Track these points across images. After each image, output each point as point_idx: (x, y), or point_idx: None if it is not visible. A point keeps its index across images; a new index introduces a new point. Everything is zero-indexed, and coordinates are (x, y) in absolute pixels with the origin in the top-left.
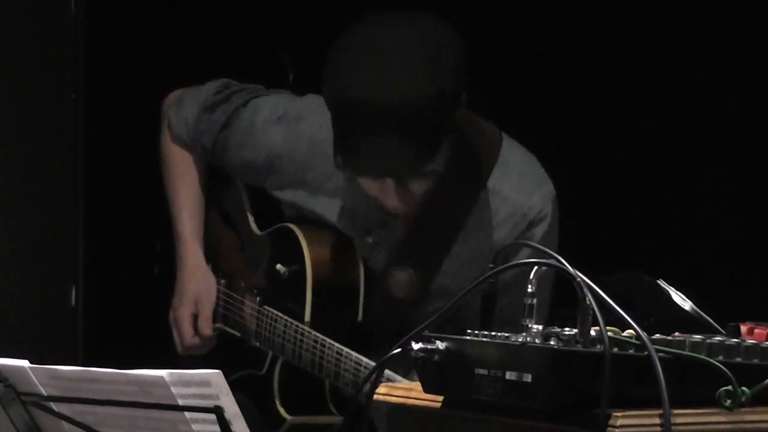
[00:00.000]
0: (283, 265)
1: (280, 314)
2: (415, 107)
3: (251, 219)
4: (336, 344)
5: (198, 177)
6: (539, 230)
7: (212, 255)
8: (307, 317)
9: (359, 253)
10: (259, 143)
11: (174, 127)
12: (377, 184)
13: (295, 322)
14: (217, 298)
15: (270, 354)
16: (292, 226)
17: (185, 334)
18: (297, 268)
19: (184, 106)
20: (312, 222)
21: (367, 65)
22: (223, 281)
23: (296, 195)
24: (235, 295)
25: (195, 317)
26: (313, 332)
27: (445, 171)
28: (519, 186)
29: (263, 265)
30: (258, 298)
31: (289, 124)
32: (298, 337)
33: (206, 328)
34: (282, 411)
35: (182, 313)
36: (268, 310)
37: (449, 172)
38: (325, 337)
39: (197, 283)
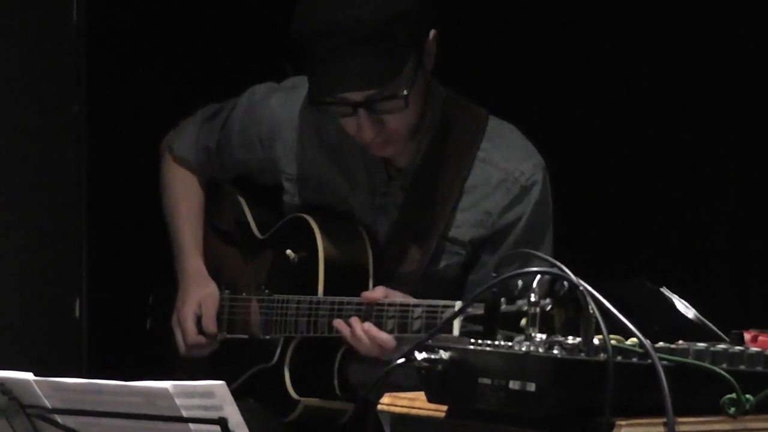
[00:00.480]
0: (293, 251)
1: (291, 296)
2: (372, 27)
3: (254, 226)
4: (355, 298)
5: (200, 195)
6: (533, 196)
7: (215, 273)
8: (320, 292)
9: (367, 237)
10: (260, 116)
11: (177, 149)
12: (353, 120)
13: (309, 297)
14: (221, 307)
15: (280, 345)
16: (300, 214)
17: (189, 332)
18: (308, 251)
19: (184, 129)
20: (320, 211)
21: None
22: (227, 291)
23: (299, 163)
24: (240, 297)
25: (198, 318)
26: (329, 298)
27: (433, 134)
28: (509, 154)
29: (271, 260)
30: (267, 290)
31: (286, 92)
32: (313, 307)
33: (211, 326)
34: (293, 393)
35: (186, 312)
36: (278, 297)
37: (436, 136)
38: (342, 297)
39: (199, 288)
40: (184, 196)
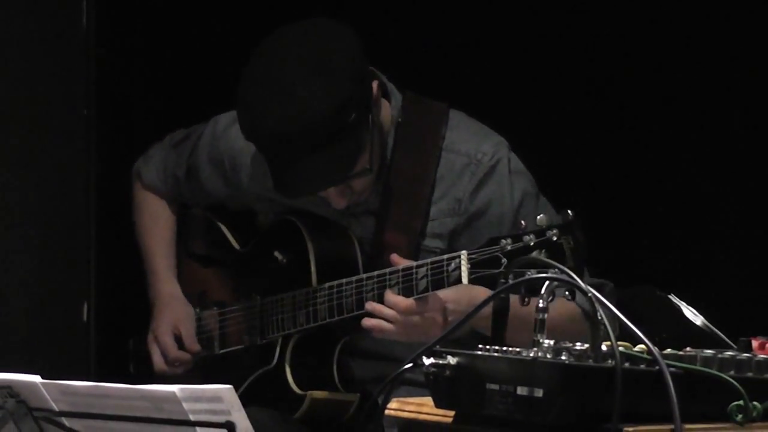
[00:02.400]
0: (280, 252)
1: (285, 294)
2: (320, 129)
3: (234, 242)
4: (354, 277)
5: (171, 219)
6: (501, 173)
7: (199, 297)
8: (315, 284)
9: (351, 230)
10: (222, 147)
11: (145, 176)
12: (322, 192)
13: (304, 289)
14: (212, 323)
15: (278, 345)
16: (284, 217)
17: (169, 347)
18: (296, 248)
19: (151, 155)
20: (302, 213)
21: (266, 100)
22: (215, 308)
23: (264, 189)
24: (229, 311)
25: (176, 338)
26: (326, 284)
27: (397, 135)
28: (467, 138)
29: (259, 268)
30: (258, 297)
31: None
32: (311, 297)
33: (194, 345)
34: (296, 389)
35: (163, 331)
36: (271, 299)
37: (401, 136)
38: (341, 280)
39: (174, 310)
40: (156, 221)
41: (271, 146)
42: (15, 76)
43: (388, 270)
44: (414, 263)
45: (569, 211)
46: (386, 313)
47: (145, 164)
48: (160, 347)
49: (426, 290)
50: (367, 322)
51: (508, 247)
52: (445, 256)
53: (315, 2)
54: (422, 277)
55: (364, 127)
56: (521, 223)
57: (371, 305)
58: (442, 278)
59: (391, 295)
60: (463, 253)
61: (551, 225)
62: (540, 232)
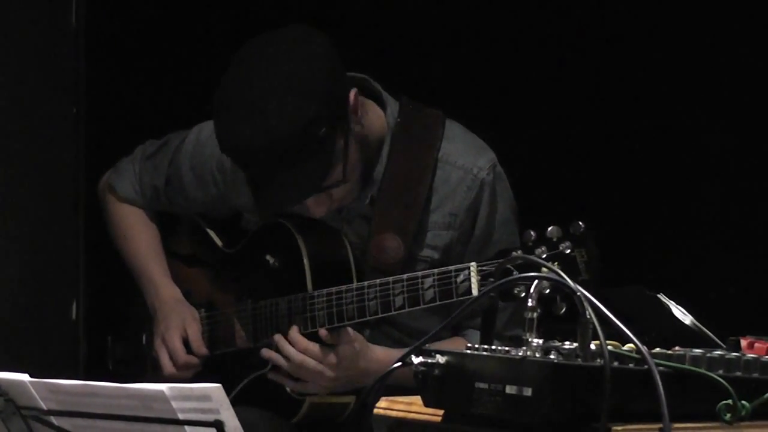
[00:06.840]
0: (272, 255)
1: (279, 299)
2: (289, 144)
3: (219, 243)
4: (354, 284)
5: (153, 226)
6: (494, 189)
7: (186, 297)
8: (310, 288)
9: (342, 232)
10: (209, 153)
11: (120, 189)
12: (301, 204)
13: (300, 294)
14: (202, 327)
15: (273, 350)
16: (275, 218)
17: (178, 352)
18: (288, 252)
19: (122, 168)
20: (292, 216)
21: (237, 115)
22: (202, 310)
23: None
24: (218, 313)
25: (184, 341)
26: (324, 290)
27: (393, 141)
28: (464, 151)
29: (249, 270)
30: (250, 300)
31: None
32: (308, 302)
33: (202, 348)
34: (293, 393)
35: (172, 334)
36: (263, 303)
37: (396, 142)
38: (340, 287)
39: (180, 313)
40: (140, 230)
41: (242, 161)
42: (3, 74)
43: (391, 279)
44: (419, 273)
45: (580, 223)
46: (287, 350)
47: (118, 178)
48: (169, 351)
49: (433, 301)
50: (266, 353)
51: (519, 260)
52: (452, 267)
53: (311, 9)
54: (429, 288)
55: (337, 140)
56: (530, 233)
57: (279, 338)
58: (451, 289)
59: (296, 333)
60: (473, 265)
61: (563, 237)
62: (552, 245)
